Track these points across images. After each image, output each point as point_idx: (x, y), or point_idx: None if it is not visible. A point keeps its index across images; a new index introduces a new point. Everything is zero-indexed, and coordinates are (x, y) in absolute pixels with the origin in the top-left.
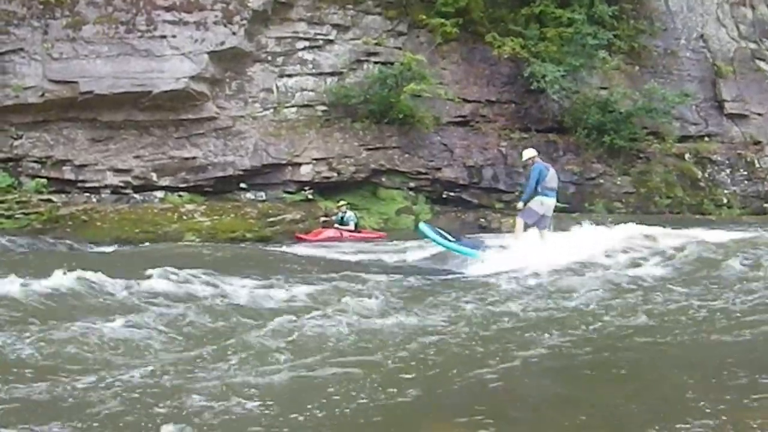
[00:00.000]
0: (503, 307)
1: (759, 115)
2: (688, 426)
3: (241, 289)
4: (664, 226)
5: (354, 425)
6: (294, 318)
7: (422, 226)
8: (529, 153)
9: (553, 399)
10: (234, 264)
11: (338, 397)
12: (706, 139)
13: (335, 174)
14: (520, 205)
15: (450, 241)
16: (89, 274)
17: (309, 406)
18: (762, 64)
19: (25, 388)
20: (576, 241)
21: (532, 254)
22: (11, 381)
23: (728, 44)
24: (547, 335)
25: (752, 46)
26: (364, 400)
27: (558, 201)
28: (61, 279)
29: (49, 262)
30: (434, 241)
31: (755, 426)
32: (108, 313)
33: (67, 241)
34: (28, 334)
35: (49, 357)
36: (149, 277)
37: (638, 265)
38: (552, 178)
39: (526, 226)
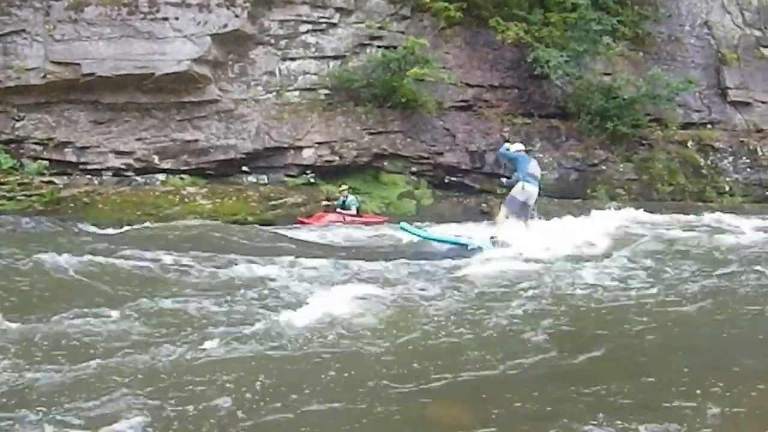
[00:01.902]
0: (497, 294)
1: (762, 102)
2: (688, 410)
3: (246, 270)
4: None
5: (358, 407)
6: (301, 299)
7: (404, 225)
8: (517, 146)
9: (557, 382)
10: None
11: (341, 380)
12: (709, 126)
13: (337, 158)
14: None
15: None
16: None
17: (312, 389)
18: (766, 52)
19: (30, 372)
20: (564, 228)
21: (517, 243)
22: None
23: (732, 31)
24: (546, 323)
25: (757, 33)
26: (368, 383)
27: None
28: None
29: (50, 243)
30: (420, 236)
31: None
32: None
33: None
34: (32, 316)
35: (50, 339)
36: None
37: (626, 253)
38: (534, 166)
39: (509, 216)
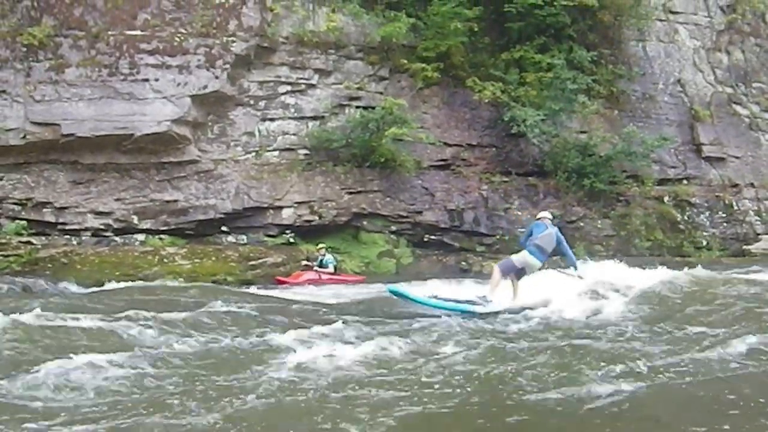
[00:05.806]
0: (507, 345)
1: (736, 158)
2: None
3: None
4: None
5: None
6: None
7: (392, 288)
8: (542, 214)
9: None
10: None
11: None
12: (685, 182)
13: (317, 217)
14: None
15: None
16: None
17: None
18: (738, 108)
19: None
20: (555, 284)
21: (511, 301)
22: None
23: (705, 89)
24: (559, 374)
25: (728, 90)
26: None
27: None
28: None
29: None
30: (414, 300)
31: None
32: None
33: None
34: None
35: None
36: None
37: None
38: (545, 237)
39: (503, 277)
